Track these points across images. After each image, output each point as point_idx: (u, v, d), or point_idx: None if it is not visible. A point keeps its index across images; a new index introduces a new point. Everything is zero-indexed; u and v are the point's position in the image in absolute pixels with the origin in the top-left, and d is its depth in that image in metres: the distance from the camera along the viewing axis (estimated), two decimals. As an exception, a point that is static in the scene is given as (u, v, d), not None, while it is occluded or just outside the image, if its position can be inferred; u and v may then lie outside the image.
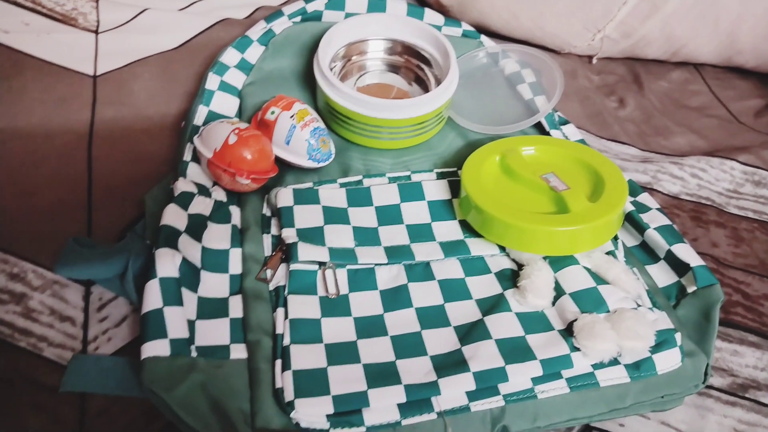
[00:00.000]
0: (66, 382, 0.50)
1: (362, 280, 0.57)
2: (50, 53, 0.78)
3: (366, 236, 0.60)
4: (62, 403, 0.50)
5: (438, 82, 0.73)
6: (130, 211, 0.63)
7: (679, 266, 0.60)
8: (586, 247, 0.57)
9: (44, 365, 0.53)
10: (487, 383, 0.49)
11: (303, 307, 0.54)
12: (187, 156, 0.64)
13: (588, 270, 0.57)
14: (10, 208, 0.62)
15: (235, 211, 0.61)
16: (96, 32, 0.82)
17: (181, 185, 0.59)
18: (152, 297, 0.50)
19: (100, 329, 0.55)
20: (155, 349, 0.48)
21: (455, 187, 0.65)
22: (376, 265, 0.58)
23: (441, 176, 0.67)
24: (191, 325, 0.51)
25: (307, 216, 0.60)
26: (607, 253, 0.59)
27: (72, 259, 0.54)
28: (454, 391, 0.48)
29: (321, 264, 0.57)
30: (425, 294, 0.56)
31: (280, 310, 0.53)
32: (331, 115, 0.69)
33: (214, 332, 0.52)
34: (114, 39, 0.81)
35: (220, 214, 0.60)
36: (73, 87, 0.75)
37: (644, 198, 0.67)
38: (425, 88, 0.74)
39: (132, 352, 0.53)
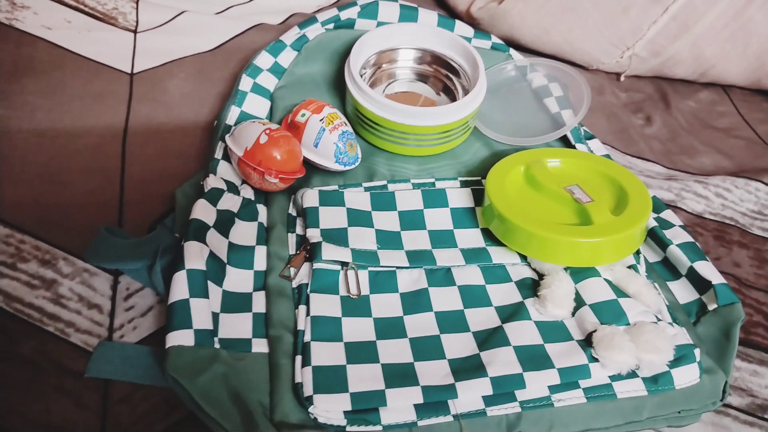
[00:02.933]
0: (91, 367, 0.51)
1: (383, 282, 0.57)
2: (90, 50, 0.80)
3: (388, 239, 0.61)
4: (86, 388, 0.52)
5: (465, 92, 0.74)
6: (160, 205, 0.65)
7: (700, 283, 0.60)
8: (608, 260, 0.58)
9: (71, 350, 0.54)
10: (505, 389, 0.49)
11: (324, 305, 0.55)
12: (218, 154, 0.65)
13: (609, 282, 0.57)
14: (44, 197, 0.64)
15: (261, 210, 0.63)
16: (135, 32, 0.84)
17: (212, 182, 0.61)
18: (179, 288, 0.51)
19: (126, 318, 0.56)
20: (180, 338, 0.49)
21: (478, 196, 0.66)
22: (398, 268, 0.58)
23: (465, 184, 0.67)
24: (215, 317, 0.52)
25: (331, 217, 0.61)
26: (629, 267, 0.59)
27: (103, 249, 0.56)
28: (471, 395, 0.49)
29: (344, 264, 0.58)
30: (445, 299, 0.56)
31: (302, 308, 0.54)
32: (359, 120, 0.70)
33: (238, 326, 0.53)
34: (152, 39, 0.83)
35: (247, 211, 0.61)
36: (110, 83, 0.77)
37: (668, 215, 0.67)
38: (452, 98, 0.75)
39: (156, 341, 0.55)
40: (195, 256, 0.53)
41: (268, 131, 0.61)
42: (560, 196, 0.62)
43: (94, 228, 0.62)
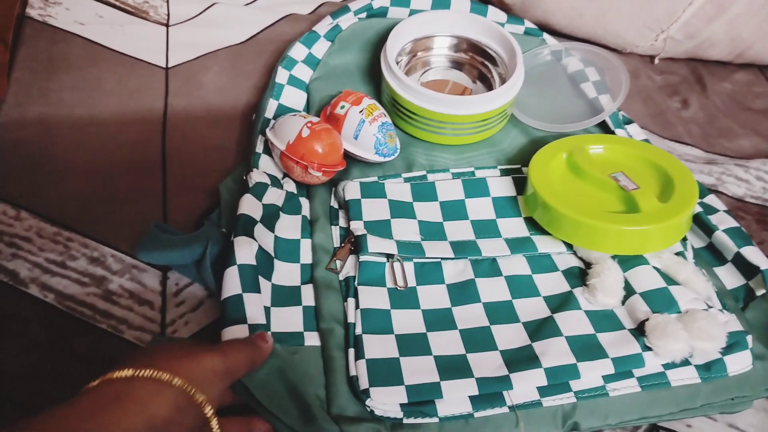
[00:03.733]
0: None
1: (429, 273, 0.58)
2: (124, 45, 0.81)
3: (432, 230, 0.61)
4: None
5: (502, 80, 0.73)
6: (203, 200, 0.65)
7: (747, 269, 0.59)
8: (656, 248, 0.57)
9: (125, 347, 0.55)
10: (559, 379, 0.49)
11: (373, 297, 0.55)
12: (259, 148, 0.65)
13: (658, 270, 0.57)
14: (88, 194, 0.65)
15: (304, 203, 0.63)
16: (167, 25, 0.84)
17: (255, 176, 0.61)
18: (232, 283, 0.52)
19: (177, 313, 0.57)
20: (235, 333, 0.49)
21: (519, 184, 0.65)
22: (443, 259, 0.58)
23: (505, 173, 0.67)
24: (267, 311, 0.53)
25: (374, 209, 0.61)
26: (677, 254, 0.59)
27: (153, 245, 0.56)
28: (525, 385, 0.49)
29: (389, 257, 0.58)
30: (493, 289, 0.56)
31: (351, 300, 0.54)
32: (395, 110, 0.70)
33: (289, 319, 0.53)
34: (184, 32, 0.83)
35: (291, 205, 0.61)
36: (146, 78, 0.77)
37: (711, 200, 0.66)
38: (489, 86, 0.74)
39: (208, 336, 0.55)
40: (245, 251, 0.53)
41: (309, 124, 0.61)
42: (605, 183, 0.61)
43: (139, 223, 0.62)
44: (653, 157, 0.64)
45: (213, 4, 0.87)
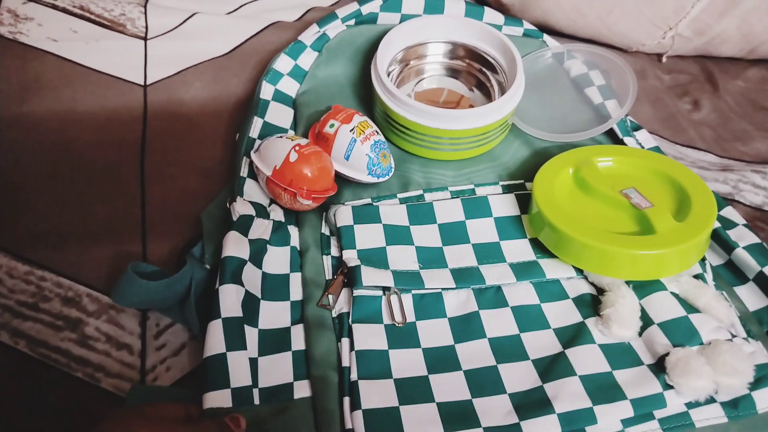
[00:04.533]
0: None
1: (429, 306, 0.53)
2: (99, 62, 0.76)
3: (431, 257, 0.56)
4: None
5: (501, 87, 0.68)
6: (185, 228, 0.61)
7: (771, 289, 0.55)
8: (673, 271, 0.53)
9: (102, 396, 0.51)
10: (574, 426, 0.45)
11: (369, 336, 0.51)
12: (244, 171, 0.61)
13: (676, 296, 0.53)
14: (63, 227, 0.61)
15: (293, 232, 0.58)
16: (145, 38, 0.79)
17: (239, 208, 0.56)
18: (215, 340, 0.48)
19: (158, 358, 0.53)
20: (217, 399, 0.45)
21: (524, 202, 0.61)
22: (444, 289, 0.54)
23: (507, 189, 0.63)
24: (254, 363, 0.49)
25: (368, 236, 0.57)
26: (695, 277, 0.55)
27: (131, 290, 0.52)
28: (538, 434, 0.45)
29: (385, 289, 0.53)
30: (499, 323, 0.52)
31: (345, 341, 0.50)
32: (388, 125, 0.65)
33: (277, 370, 0.49)
34: (163, 45, 0.79)
35: (279, 236, 0.57)
36: (123, 97, 0.73)
37: (729, 212, 0.62)
38: (487, 94, 0.70)
39: (192, 382, 0.51)
40: (230, 301, 0.49)
41: (297, 147, 0.57)
42: (616, 200, 0.57)
43: (117, 258, 0.59)
44: (667, 170, 0.59)
45: (193, 14, 0.83)
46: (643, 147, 0.68)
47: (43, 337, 0.54)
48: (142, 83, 0.75)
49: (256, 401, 0.47)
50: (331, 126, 0.61)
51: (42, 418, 0.49)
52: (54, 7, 0.81)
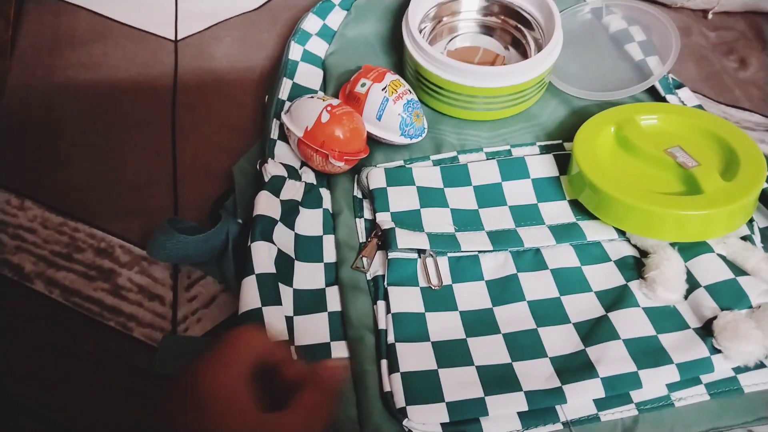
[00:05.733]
0: (157, 365, 0.48)
1: (466, 269, 0.52)
2: (131, 17, 0.76)
3: (466, 219, 0.55)
4: (153, 385, 0.48)
5: (538, 45, 0.66)
6: (216, 183, 0.60)
7: (823, 250, 0.53)
8: (721, 233, 0.51)
9: (134, 346, 0.51)
10: (618, 390, 0.44)
11: (405, 299, 0.50)
12: (274, 133, 0.60)
13: (723, 258, 0.51)
14: (96, 180, 0.61)
15: (325, 194, 0.57)
16: (176, -7, 0.78)
17: (271, 169, 0.55)
18: (250, 296, 0.47)
19: (189, 309, 0.53)
20: None
21: (562, 163, 0.59)
22: (480, 252, 0.53)
23: (545, 150, 0.61)
24: (289, 322, 0.48)
25: (401, 198, 0.55)
26: (743, 238, 0.52)
27: (169, 246, 0.51)
28: (581, 398, 0.44)
29: (420, 252, 0.52)
30: (538, 285, 0.51)
31: (381, 303, 0.49)
32: (420, 84, 0.63)
33: (314, 329, 0.48)
34: (193, 0, 0.77)
35: (311, 198, 0.56)
36: (155, 53, 0.72)
37: (776, 172, 0.59)
38: (523, 53, 0.67)
39: (222, 332, 0.51)
40: (263, 258, 0.49)
41: (329, 108, 0.55)
42: (661, 160, 0.55)
43: (148, 211, 0.59)
44: (714, 128, 0.57)
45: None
46: (685, 105, 0.65)
47: (77, 287, 0.54)
48: (173, 38, 0.74)
49: (294, 358, 0.46)
50: (363, 85, 0.59)
51: (75, 366, 0.50)
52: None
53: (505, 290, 0.51)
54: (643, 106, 0.61)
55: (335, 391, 0.40)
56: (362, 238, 0.54)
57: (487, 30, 0.70)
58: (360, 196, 0.57)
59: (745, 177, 0.51)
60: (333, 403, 0.39)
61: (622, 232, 0.54)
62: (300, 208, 0.55)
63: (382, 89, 0.58)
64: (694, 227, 0.50)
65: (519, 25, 0.68)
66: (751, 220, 0.54)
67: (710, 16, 0.78)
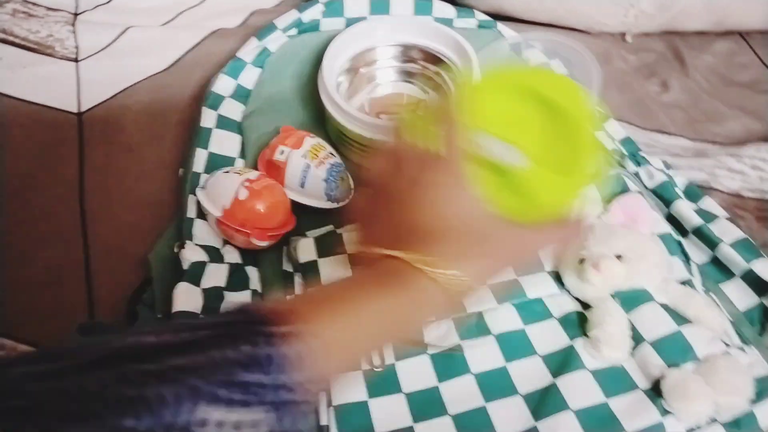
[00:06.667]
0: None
1: (408, 343, 0.50)
2: (28, 91, 0.70)
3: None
4: None
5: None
6: (134, 270, 0.56)
7: (759, 285, 0.53)
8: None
9: None
10: (574, 469, 0.42)
11: (347, 387, 0.47)
12: (191, 212, 0.56)
13: (666, 308, 0.50)
14: (1, 280, 0.55)
15: (252, 273, 0.54)
16: (76, 60, 0.73)
17: (189, 254, 0.52)
18: None
19: None
20: None
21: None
22: (422, 321, 0.50)
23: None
24: None
25: (334, 269, 0.53)
26: (683, 283, 0.52)
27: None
28: (536, 484, 0.42)
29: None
30: (483, 354, 0.49)
31: (321, 395, 0.46)
32: (345, 143, 0.60)
33: None
34: (96, 66, 0.73)
35: (236, 279, 0.53)
36: (57, 129, 0.67)
37: (708, 204, 0.59)
38: (445, 96, 0.65)
39: None
40: None
41: (247, 183, 0.52)
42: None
43: (62, 312, 0.54)
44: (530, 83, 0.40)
45: (127, 29, 0.76)
46: (613, 139, 0.64)
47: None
48: (77, 111, 0.68)
49: None
50: (282, 153, 0.56)
51: None
52: (-29, 33, 0.75)
53: (450, 364, 0.48)
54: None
55: None
56: (295, 318, 0.51)
57: (407, 76, 0.68)
58: (291, 269, 0.54)
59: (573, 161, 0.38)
60: None
61: (561, 285, 0.52)
62: (224, 293, 0.51)
63: (302, 156, 0.55)
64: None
65: (438, 69, 0.66)
66: (688, 259, 0.54)
67: (629, 39, 0.78)
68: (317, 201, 0.56)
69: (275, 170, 0.56)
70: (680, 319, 0.49)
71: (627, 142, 0.64)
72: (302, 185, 0.56)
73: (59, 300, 0.55)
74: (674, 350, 0.47)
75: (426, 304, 0.34)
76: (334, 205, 0.56)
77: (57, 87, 0.71)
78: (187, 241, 0.53)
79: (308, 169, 0.55)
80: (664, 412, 0.44)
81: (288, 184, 0.56)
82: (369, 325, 0.32)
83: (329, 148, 0.57)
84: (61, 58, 0.73)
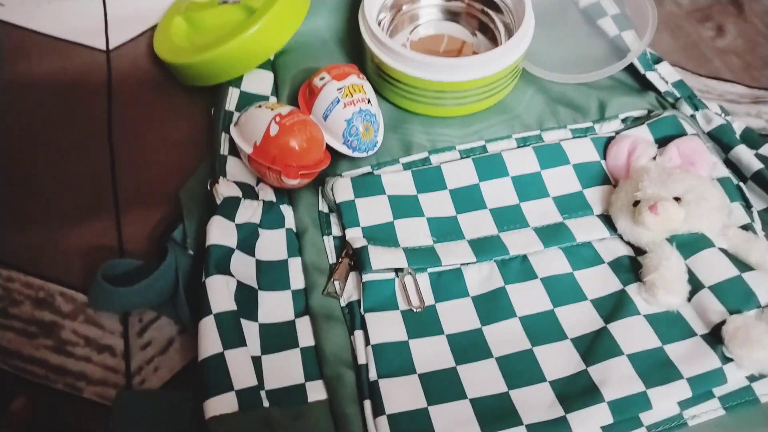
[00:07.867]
0: (113, 426, 0.42)
1: (449, 285, 0.47)
2: (55, 27, 0.68)
3: (445, 228, 0.50)
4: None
5: (508, 30, 0.61)
6: (164, 209, 0.55)
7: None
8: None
9: (86, 408, 0.45)
10: (627, 414, 0.40)
11: (385, 327, 0.45)
12: (224, 149, 0.54)
13: (726, 253, 0.47)
14: (28, 219, 0.54)
15: (287, 212, 0.52)
16: (102, -5, 0.71)
17: (223, 189, 0.50)
18: (209, 339, 0.41)
19: (144, 358, 0.47)
20: (221, 405, 0.39)
21: (543, 156, 0.54)
22: (463, 264, 0.48)
23: (522, 143, 0.56)
24: (257, 363, 0.43)
25: (372, 210, 0.50)
26: (743, 227, 0.49)
27: (106, 299, 0.45)
28: (588, 427, 0.39)
29: (397, 270, 0.47)
30: (529, 298, 0.46)
31: (359, 333, 0.44)
32: (383, 81, 0.58)
33: (285, 369, 0.43)
34: (124, 2, 0.70)
35: (271, 217, 0.51)
36: (85, 66, 0.65)
37: (768, 150, 0.56)
38: (492, 38, 0.62)
39: (183, 381, 0.46)
40: (221, 294, 0.43)
41: (278, 118, 0.49)
42: (225, 12, 0.61)
43: (90, 249, 0.53)
44: None
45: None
46: (666, 81, 0.61)
47: (16, 347, 0.48)
48: (105, 48, 0.66)
49: (265, 404, 0.41)
50: (321, 79, 0.53)
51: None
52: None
53: (493, 306, 0.46)
54: None
55: None
56: (332, 259, 0.49)
57: (452, 16, 0.64)
58: (326, 210, 0.52)
59: None
60: None
61: (613, 229, 0.49)
62: (259, 230, 0.49)
63: (338, 89, 0.53)
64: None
65: (486, 9, 0.62)
66: (749, 206, 0.51)
67: (682, -18, 0.73)
68: (335, 140, 0.53)
69: (312, 95, 0.53)
70: (742, 265, 0.46)
71: (680, 84, 0.61)
72: (325, 118, 0.53)
73: (88, 239, 0.53)
74: (735, 296, 0.44)
75: None
76: (348, 151, 0.53)
77: (84, 23, 0.68)
78: (221, 177, 0.51)
79: (336, 104, 0.52)
80: (725, 359, 0.41)
81: (315, 112, 0.53)
82: None
83: (370, 95, 0.54)
84: (87, -7, 0.71)
